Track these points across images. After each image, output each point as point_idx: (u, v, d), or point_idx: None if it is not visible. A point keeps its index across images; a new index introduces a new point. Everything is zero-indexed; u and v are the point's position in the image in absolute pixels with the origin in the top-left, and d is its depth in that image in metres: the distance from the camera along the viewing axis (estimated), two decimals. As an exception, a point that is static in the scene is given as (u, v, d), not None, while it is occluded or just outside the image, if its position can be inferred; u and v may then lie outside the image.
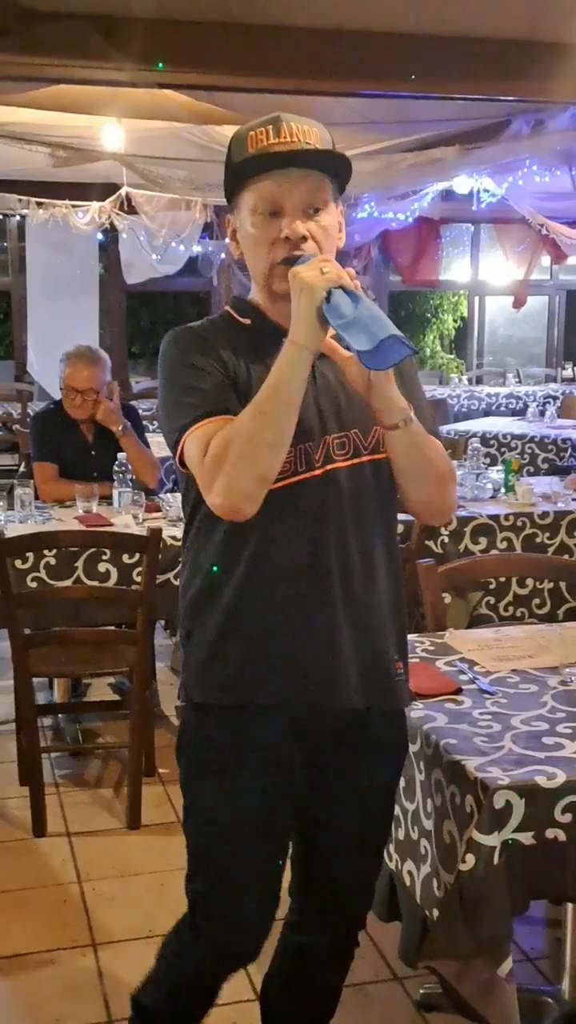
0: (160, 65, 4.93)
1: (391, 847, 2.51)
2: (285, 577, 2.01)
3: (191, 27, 5.11)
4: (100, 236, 10.04)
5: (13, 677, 3.91)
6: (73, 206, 9.02)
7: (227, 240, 2.14)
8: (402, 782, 2.41)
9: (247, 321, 2.10)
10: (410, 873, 2.40)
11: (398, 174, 7.30)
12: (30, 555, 4.08)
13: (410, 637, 2.93)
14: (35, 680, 3.92)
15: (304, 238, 1.97)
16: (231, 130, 6.52)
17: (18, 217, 9.84)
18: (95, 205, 8.85)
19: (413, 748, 2.36)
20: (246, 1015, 2.45)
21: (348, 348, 1.88)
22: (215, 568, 2.05)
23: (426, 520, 2.24)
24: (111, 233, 9.86)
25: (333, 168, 2.03)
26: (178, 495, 2.80)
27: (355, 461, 2.04)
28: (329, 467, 2.01)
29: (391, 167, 7.08)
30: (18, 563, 4.04)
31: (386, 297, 12.04)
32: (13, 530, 4.16)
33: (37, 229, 9.77)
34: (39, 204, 9.08)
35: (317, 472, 2.00)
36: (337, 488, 2.02)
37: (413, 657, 2.76)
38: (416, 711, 2.41)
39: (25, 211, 9.29)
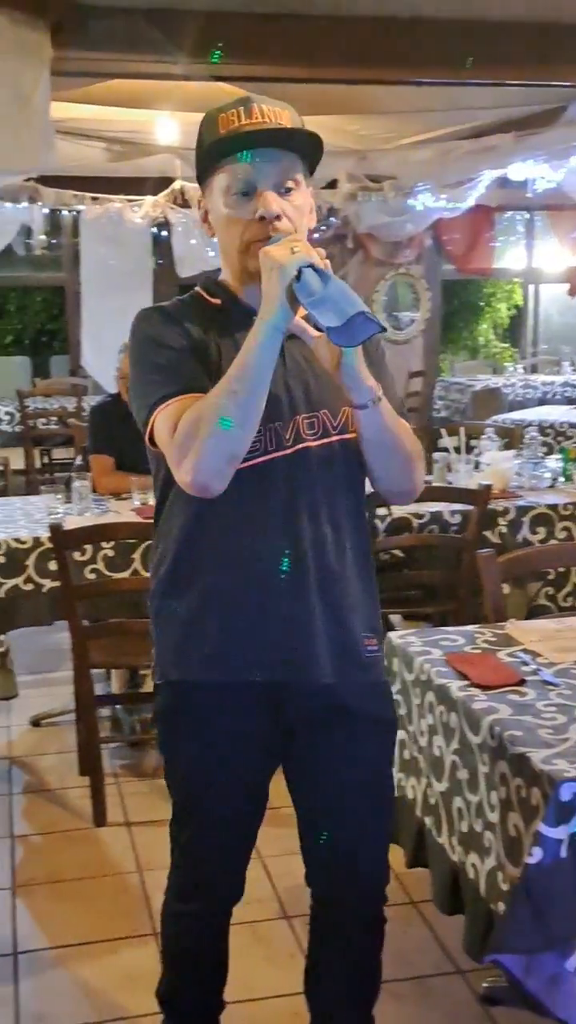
0: (215, 57, 4.93)
1: (454, 839, 2.50)
2: (259, 555, 2.04)
3: (244, 19, 5.12)
4: (154, 230, 10.07)
5: (72, 668, 3.93)
6: (128, 200, 9.05)
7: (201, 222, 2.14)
8: (465, 774, 2.41)
9: (217, 301, 2.12)
10: (474, 866, 2.38)
11: (453, 162, 7.28)
12: (88, 547, 4.11)
13: (471, 628, 2.94)
14: (93, 671, 3.94)
15: (278, 216, 1.97)
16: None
17: (73, 212, 9.89)
18: (149, 199, 8.88)
19: (476, 740, 2.35)
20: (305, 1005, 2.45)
21: (318, 328, 1.89)
22: (188, 547, 2.08)
23: (393, 500, 2.26)
24: (165, 227, 9.87)
25: (304, 148, 2.04)
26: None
27: (324, 441, 2.06)
28: (300, 446, 2.04)
29: (446, 155, 7.06)
30: (76, 555, 4.07)
31: (439, 286, 11.97)
32: (71, 523, 4.19)
33: (91, 224, 9.81)
34: (94, 199, 9.12)
35: (288, 451, 2.03)
36: (307, 466, 2.05)
37: (474, 648, 2.75)
38: (479, 703, 2.39)
39: (81, 207, 9.34)
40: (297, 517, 2.04)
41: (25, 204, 9.24)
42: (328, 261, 1.86)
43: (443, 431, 5.56)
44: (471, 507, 4.34)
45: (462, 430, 5.42)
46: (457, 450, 5.15)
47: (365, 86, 6.09)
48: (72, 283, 11.19)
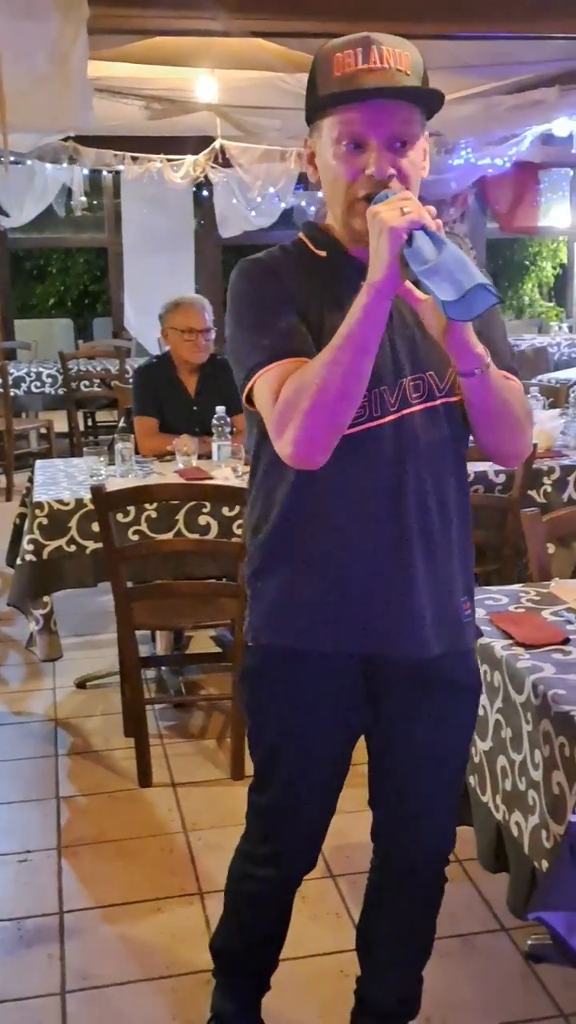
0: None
1: (497, 798, 2.49)
2: (362, 524, 1.97)
3: (284, -27, 5.05)
4: (195, 190, 10.02)
5: (117, 630, 3.95)
6: (168, 160, 9.01)
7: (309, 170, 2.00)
8: (509, 732, 2.39)
9: (322, 253, 2.00)
10: (517, 824, 2.38)
11: (496, 118, 7.17)
12: (131, 509, 4.12)
13: (515, 587, 2.92)
14: (138, 633, 3.96)
15: (391, 175, 1.84)
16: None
17: (114, 173, 9.86)
18: (189, 159, 8.84)
19: (520, 699, 2.33)
20: (353, 963, 2.45)
21: (426, 291, 1.75)
22: (289, 510, 2.01)
23: (499, 463, 2.17)
24: (206, 186, 9.83)
25: (423, 99, 1.90)
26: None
27: (429, 404, 1.97)
28: (405, 412, 1.95)
29: (489, 111, 6.94)
30: (119, 517, 4.08)
31: (483, 245, 11.86)
32: (114, 484, 4.18)
33: (132, 184, 9.79)
34: (134, 159, 9.08)
35: (392, 416, 1.94)
36: (412, 433, 1.95)
37: (519, 607, 2.73)
38: (523, 661, 2.38)
39: (121, 167, 9.30)
40: (402, 484, 1.95)
41: (65, 165, 9.23)
42: (440, 222, 1.73)
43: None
44: (515, 466, 4.30)
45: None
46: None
47: (406, 41, 6.00)
48: (114, 244, 11.20)
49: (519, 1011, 2.68)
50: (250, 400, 1.95)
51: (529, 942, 2.88)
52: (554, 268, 17.47)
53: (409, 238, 1.69)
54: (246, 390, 1.94)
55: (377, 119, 1.84)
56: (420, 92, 1.89)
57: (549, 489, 4.63)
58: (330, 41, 1.90)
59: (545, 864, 2.21)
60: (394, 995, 2.40)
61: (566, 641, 2.49)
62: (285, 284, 1.95)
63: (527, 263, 17.44)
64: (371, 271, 1.76)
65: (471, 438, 2.09)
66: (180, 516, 4.19)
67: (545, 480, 4.63)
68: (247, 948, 2.42)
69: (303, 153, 2.01)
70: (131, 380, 5.55)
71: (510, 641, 2.50)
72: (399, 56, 1.87)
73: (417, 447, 1.96)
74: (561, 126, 7.50)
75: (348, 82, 1.85)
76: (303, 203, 10.54)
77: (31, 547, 4.15)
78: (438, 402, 1.98)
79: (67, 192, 9.85)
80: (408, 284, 1.77)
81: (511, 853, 2.44)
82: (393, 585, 1.99)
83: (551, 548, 3.61)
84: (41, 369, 9.71)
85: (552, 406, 5.68)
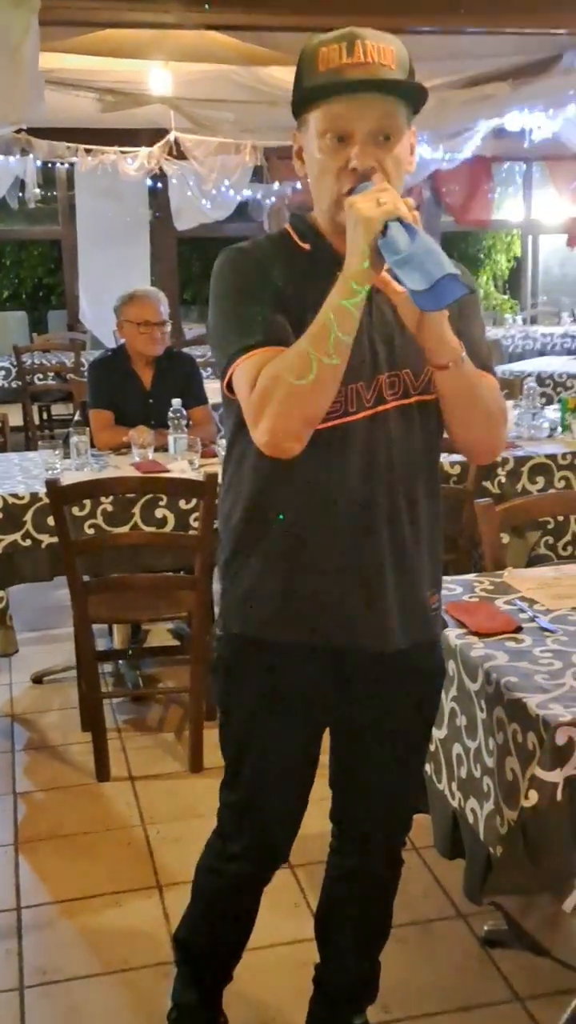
0: (207, 6, 4.87)
1: (453, 785, 2.51)
2: (332, 518, 1.99)
3: (236, -34, 5.05)
4: (149, 182, 9.99)
5: (73, 624, 3.94)
6: (122, 152, 8.98)
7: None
8: (463, 720, 2.42)
9: (306, 246, 2.01)
10: (473, 811, 2.40)
11: (449, 112, 7.20)
12: (87, 502, 4.11)
13: (469, 577, 2.94)
14: (95, 627, 3.95)
15: (373, 169, 1.85)
16: (279, 71, 6.48)
17: (67, 165, 9.81)
18: (144, 151, 8.82)
19: (474, 687, 2.36)
20: (312, 952, 2.47)
21: (402, 283, 1.78)
22: (261, 502, 2.03)
23: (473, 458, 2.20)
24: (161, 179, 9.80)
25: (408, 93, 1.90)
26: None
27: (404, 402, 1.99)
28: (380, 408, 1.97)
29: (442, 104, 6.97)
30: (75, 510, 4.06)
31: (438, 238, 11.87)
32: (69, 478, 4.17)
33: (86, 176, 9.74)
34: (88, 151, 9.05)
35: (367, 413, 1.96)
36: (386, 430, 1.98)
37: (472, 597, 2.76)
38: (476, 650, 2.40)
39: (74, 159, 9.26)
40: (373, 480, 1.98)
41: (18, 156, 9.18)
42: (416, 213, 1.77)
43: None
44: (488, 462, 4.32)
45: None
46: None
47: (392, 36, 6.03)
48: (69, 236, 11.14)
49: (476, 996, 2.70)
50: (231, 388, 1.96)
51: (486, 928, 2.91)
52: (508, 261, 17.60)
53: (384, 229, 1.71)
54: (226, 378, 1.96)
55: (360, 112, 1.85)
56: (401, 85, 1.89)
57: (503, 480, 4.66)
58: (317, 37, 1.92)
59: (500, 849, 2.23)
60: (352, 980, 2.42)
61: (518, 630, 2.51)
62: (269, 274, 1.96)
63: (481, 256, 17.56)
64: (346, 262, 1.79)
65: (444, 435, 2.11)
66: (136, 509, 4.19)
67: (499, 471, 4.66)
68: (213, 940, 2.42)
69: (293, 145, 2.01)
70: (86, 373, 5.53)
71: (464, 630, 2.52)
72: (383, 51, 1.88)
73: (389, 444, 1.98)
74: (513, 120, 7.54)
75: (332, 76, 1.87)
76: (258, 196, 10.54)
77: (-14, 542, 4.13)
78: (412, 400, 2.00)
79: (20, 184, 9.79)
80: (386, 276, 1.80)
81: (467, 839, 2.46)
82: (361, 578, 2.02)
83: (505, 538, 3.65)
84: (-5, 362, 9.66)
85: (506, 398, 5.70)
